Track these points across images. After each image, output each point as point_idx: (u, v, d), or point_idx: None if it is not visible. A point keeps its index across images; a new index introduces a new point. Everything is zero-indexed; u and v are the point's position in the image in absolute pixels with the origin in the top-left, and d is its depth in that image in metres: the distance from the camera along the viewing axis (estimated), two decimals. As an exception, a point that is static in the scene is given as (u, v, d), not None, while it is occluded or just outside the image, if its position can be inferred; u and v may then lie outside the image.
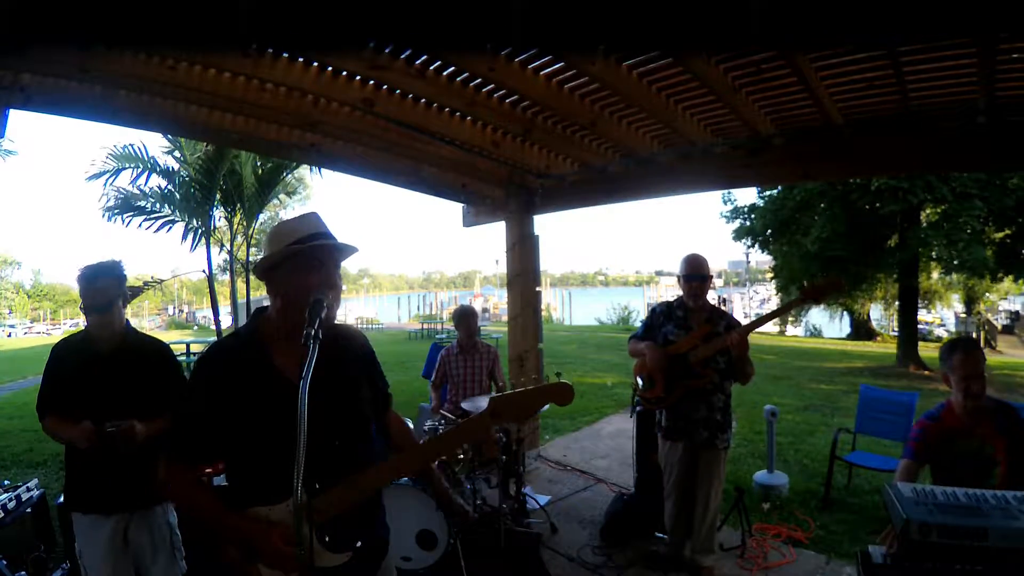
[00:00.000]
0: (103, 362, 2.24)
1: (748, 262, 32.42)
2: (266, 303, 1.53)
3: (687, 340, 3.08)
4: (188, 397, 1.44)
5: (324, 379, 1.40)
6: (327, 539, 1.34)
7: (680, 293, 3.26)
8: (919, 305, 15.08)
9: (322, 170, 8.22)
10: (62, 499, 2.60)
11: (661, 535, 3.52)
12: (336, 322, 1.51)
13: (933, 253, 11.56)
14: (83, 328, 2.35)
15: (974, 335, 20.06)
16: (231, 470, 1.47)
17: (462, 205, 5.93)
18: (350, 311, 38.31)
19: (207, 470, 2.43)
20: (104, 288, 2.21)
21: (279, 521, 1.30)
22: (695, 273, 3.13)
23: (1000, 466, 2.13)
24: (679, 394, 3.10)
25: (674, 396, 3.11)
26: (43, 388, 2.30)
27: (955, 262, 11.14)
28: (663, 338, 3.19)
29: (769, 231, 13.87)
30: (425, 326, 24.11)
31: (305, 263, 1.40)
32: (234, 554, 1.32)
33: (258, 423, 1.35)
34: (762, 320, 3.33)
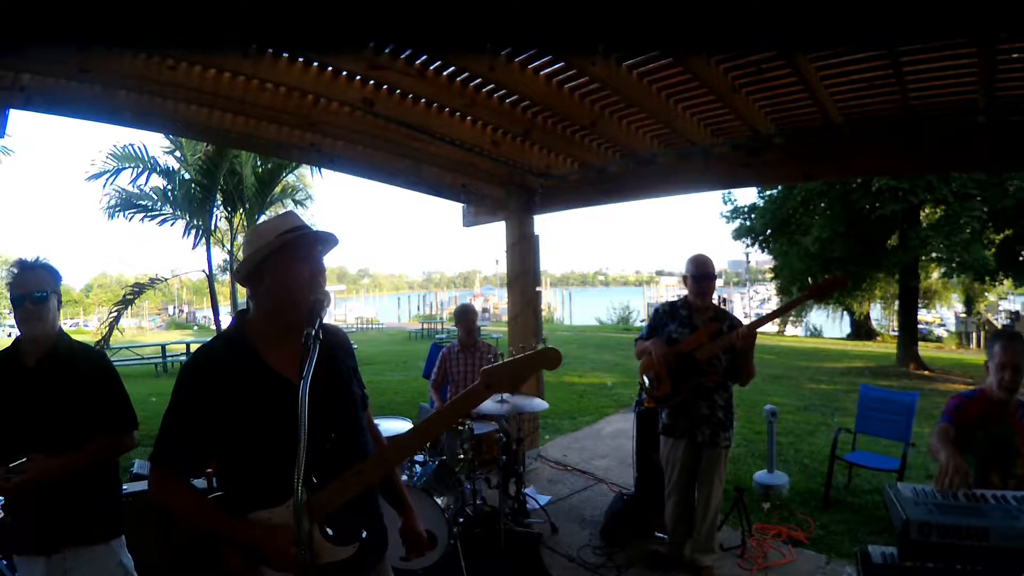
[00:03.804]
0: (29, 376, 2.01)
1: (748, 262, 32.34)
2: None
3: (694, 338, 3.09)
4: (177, 404, 1.39)
5: (321, 376, 1.38)
6: (331, 533, 1.33)
7: (682, 292, 3.29)
8: (919, 305, 15.06)
9: (322, 170, 8.25)
10: None
11: (661, 535, 3.52)
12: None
13: (933, 253, 11.55)
14: (12, 341, 2.12)
15: (974, 335, 20.08)
16: (226, 476, 1.43)
17: (462, 205, 5.93)
18: (350, 311, 38.28)
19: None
20: (41, 278, 2.05)
21: (282, 523, 1.28)
22: (702, 272, 3.16)
23: (1022, 457, 2.16)
24: (688, 392, 3.12)
25: (683, 394, 3.12)
26: None
27: (955, 263, 11.13)
28: (667, 337, 3.20)
29: (769, 231, 13.87)
30: (425, 326, 24.15)
31: (295, 255, 1.41)
32: (236, 561, 1.30)
33: (256, 424, 1.34)
34: (767, 318, 3.55)
